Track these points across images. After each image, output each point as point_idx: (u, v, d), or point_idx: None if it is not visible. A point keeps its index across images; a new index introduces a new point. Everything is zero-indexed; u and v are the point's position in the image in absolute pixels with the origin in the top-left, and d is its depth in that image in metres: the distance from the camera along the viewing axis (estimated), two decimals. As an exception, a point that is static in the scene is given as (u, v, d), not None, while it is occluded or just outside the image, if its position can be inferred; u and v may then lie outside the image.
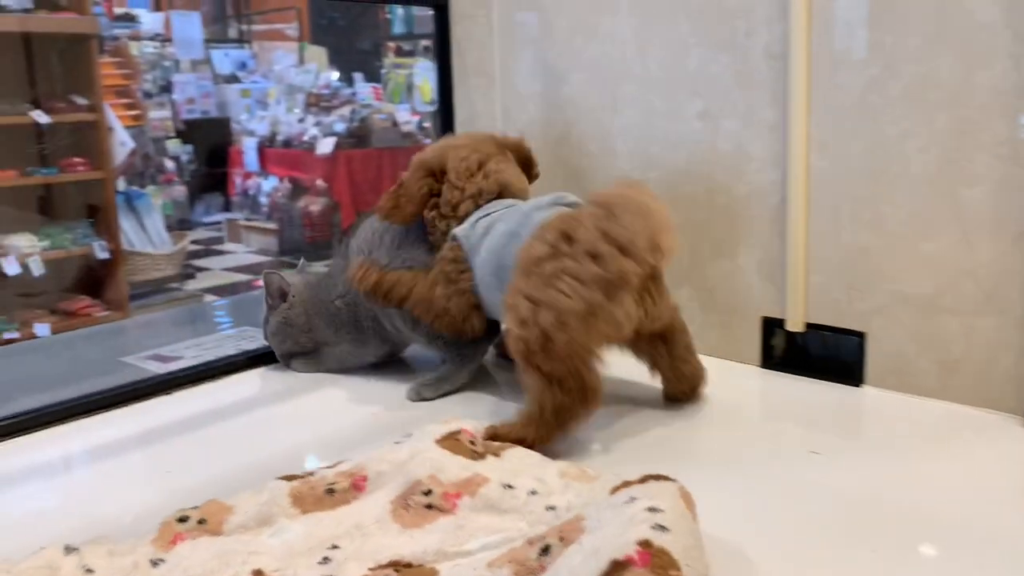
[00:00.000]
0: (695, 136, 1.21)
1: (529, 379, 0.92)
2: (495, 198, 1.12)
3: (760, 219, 1.18)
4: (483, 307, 1.08)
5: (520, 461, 0.85)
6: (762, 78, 1.14)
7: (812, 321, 1.15)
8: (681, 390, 1.08)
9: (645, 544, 0.59)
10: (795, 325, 1.16)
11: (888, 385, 1.10)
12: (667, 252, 0.92)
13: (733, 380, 1.18)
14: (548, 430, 0.91)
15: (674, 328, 1.05)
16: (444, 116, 1.53)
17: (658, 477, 0.71)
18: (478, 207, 1.11)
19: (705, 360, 1.23)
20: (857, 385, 1.12)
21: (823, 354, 1.17)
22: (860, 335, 1.11)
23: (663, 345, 1.05)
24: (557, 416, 0.91)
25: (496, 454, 0.86)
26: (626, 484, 0.73)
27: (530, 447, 0.89)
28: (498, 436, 0.91)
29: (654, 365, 1.06)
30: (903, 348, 1.08)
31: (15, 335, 3.10)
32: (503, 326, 1.11)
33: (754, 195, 1.18)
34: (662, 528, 0.61)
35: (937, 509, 0.82)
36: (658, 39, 1.23)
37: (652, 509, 0.64)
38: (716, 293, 1.24)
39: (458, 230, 1.10)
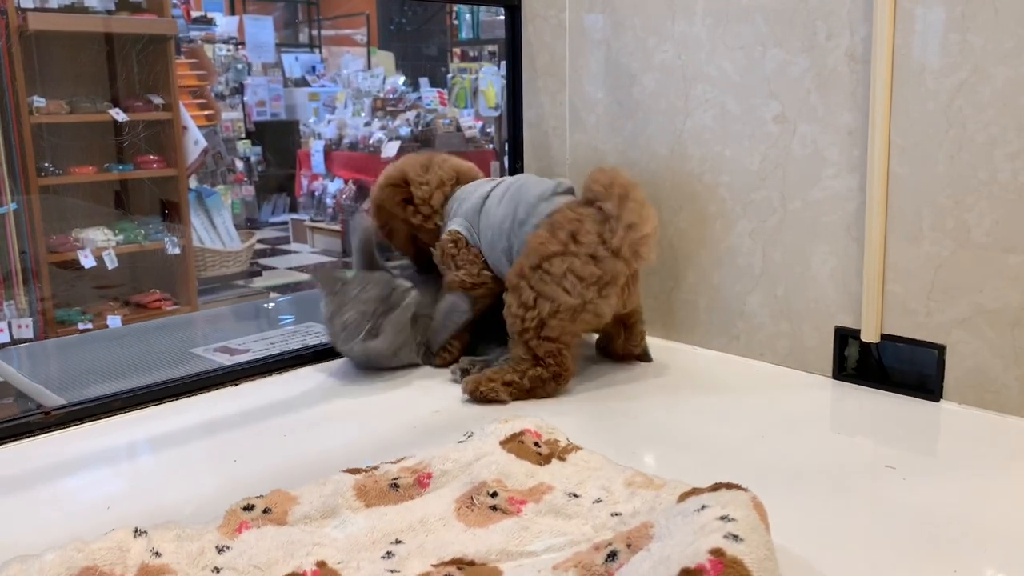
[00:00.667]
0: (770, 139, 1.19)
1: (518, 350, 1.10)
2: (455, 182, 1.28)
3: (836, 225, 1.14)
4: (492, 271, 1.22)
5: (585, 465, 0.84)
6: (842, 81, 1.11)
7: (888, 332, 1.11)
8: (624, 357, 1.24)
9: (717, 553, 0.57)
10: (870, 336, 1.12)
11: (968, 401, 1.06)
12: (649, 257, 1.09)
13: (804, 391, 1.15)
14: (519, 393, 1.09)
15: (636, 316, 1.21)
16: (512, 117, 1.52)
17: (729, 485, 0.69)
18: (446, 196, 1.26)
19: (775, 370, 1.21)
20: (935, 400, 1.08)
21: (899, 367, 1.14)
22: (939, 348, 1.07)
23: (623, 329, 1.22)
24: (531, 385, 1.09)
25: (561, 457, 0.85)
26: (695, 491, 0.71)
27: (492, 399, 1.07)
28: (479, 388, 1.08)
29: (606, 341, 1.24)
30: (985, 363, 1.04)
31: (89, 326, 3.19)
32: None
33: (830, 200, 1.14)
34: (735, 538, 0.59)
35: (1020, 532, 0.78)
36: (734, 40, 1.21)
37: (725, 518, 0.62)
38: (788, 301, 1.20)
39: (456, 225, 1.23)
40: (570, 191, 1.18)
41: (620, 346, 1.23)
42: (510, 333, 1.12)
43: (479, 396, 1.09)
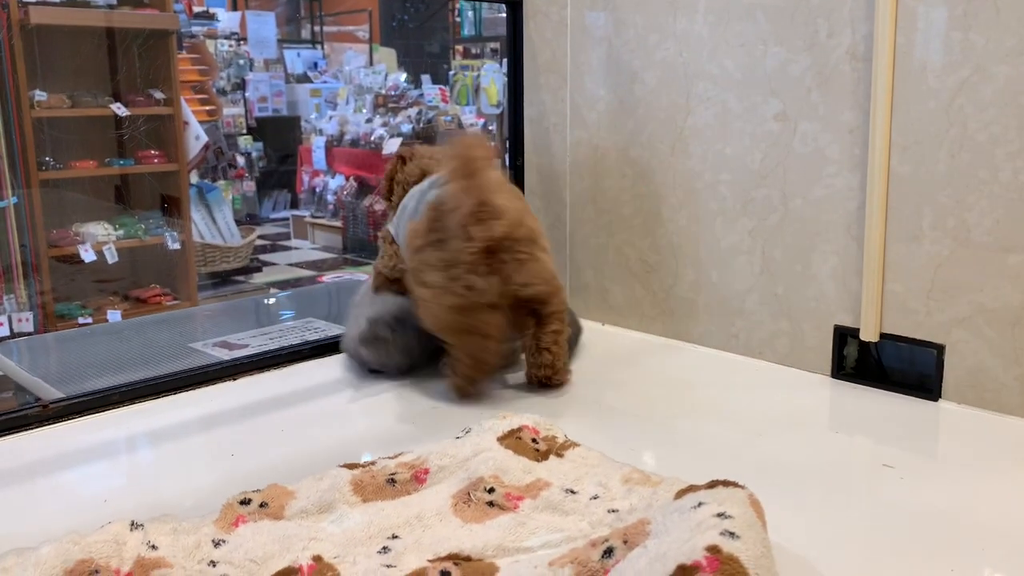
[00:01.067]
0: (771, 138, 1.18)
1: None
2: (416, 181, 1.26)
3: (836, 224, 1.14)
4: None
5: (583, 462, 0.84)
6: (844, 79, 1.11)
7: (887, 331, 1.11)
8: (536, 375, 1.12)
9: (714, 550, 0.57)
10: (869, 335, 1.12)
11: (967, 400, 1.06)
12: (486, 233, 1.00)
13: (802, 390, 1.15)
14: (465, 381, 1.09)
15: (548, 308, 1.10)
16: (513, 113, 1.52)
17: (726, 483, 0.69)
18: (405, 191, 1.26)
19: (774, 368, 1.21)
20: (933, 399, 1.07)
21: (898, 366, 1.14)
22: (938, 347, 1.07)
23: (535, 324, 1.11)
24: (465, 375, 1.08)
25: (559, 454, 0.85)
26: (692, 488, 0.71)
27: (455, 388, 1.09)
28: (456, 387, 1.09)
29: (524, 342, 1.13)
30: (984, 362, 1.04)
31: (88, 320, 3.19)
32: None
33: (831, 199, 1.14)
34: (732, 535, 0.59)
35: (1018, 532, 0.78)
36: (735, 38, 1.20)
37: (721, 515, 0.62)
38: (787, 299, 1.20)
39: (390, 223, 1.26)
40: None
41: (531, 349, 1.11)
42: None
43: (462, 395, 1.10)
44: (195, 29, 5.42)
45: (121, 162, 3.44)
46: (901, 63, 1.05)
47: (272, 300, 2.27)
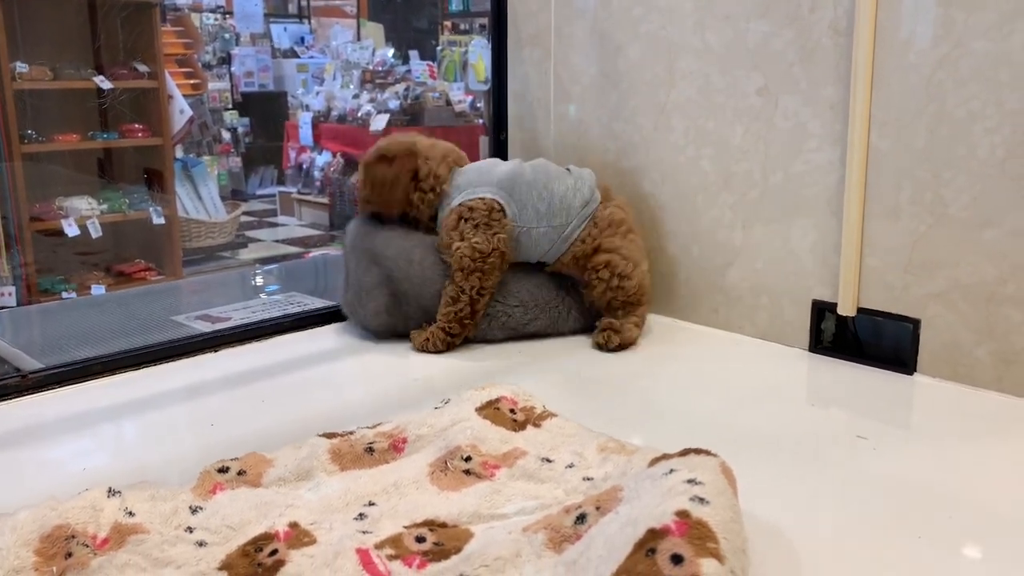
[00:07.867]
0: (752, 112, 1.19)
1: (628, 310, 1.22)
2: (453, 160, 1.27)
3: (816, 199, 1.15)
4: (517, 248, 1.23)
5: (560, 432, 0.84)
6: (825, 54, 1.11)
7: (865, 306, 1.12)
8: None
9: (683, 515, 0.58)
10: (847, 309, 1.13)
11: (941, 374, 1.07)
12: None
13: (780, 363, 1.16)
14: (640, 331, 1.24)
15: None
16: (497, 87, 1.51)
17: (699, 451, 0.70)
18: (450, 169, 1.25)
19: (753, 342, 1.22)
20: (909, 373, 1.09)
21: (874, 340, 1.15)
22: (914, 322, 1.08)
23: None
24: (643, 320, 1.24)
25: (536, 424, 0.85)
26: (665, 456, 0.72)
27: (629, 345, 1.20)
28: (621, 337, 1.19)
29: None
30: (959, 337, 1.05)
31: (72, 295, 3.17)
32: None
33: (811, 174, 1.15)
34: (701, 500, 0.60)
35: (986, 502, 0.79)
36: (719, 11, 1.20)
37: (692, 481, 0.63)
38: (766, 273, 1.21)
39: (487, 192, 1.21)
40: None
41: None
42: (612, 304, 1.21)
43: (621, 347, 1.19)
44: (180, 2, 5.36)
45: (104, 135, 3.41)
46: (882, 38, 1.05)
47: (257, 274, 2.26)
